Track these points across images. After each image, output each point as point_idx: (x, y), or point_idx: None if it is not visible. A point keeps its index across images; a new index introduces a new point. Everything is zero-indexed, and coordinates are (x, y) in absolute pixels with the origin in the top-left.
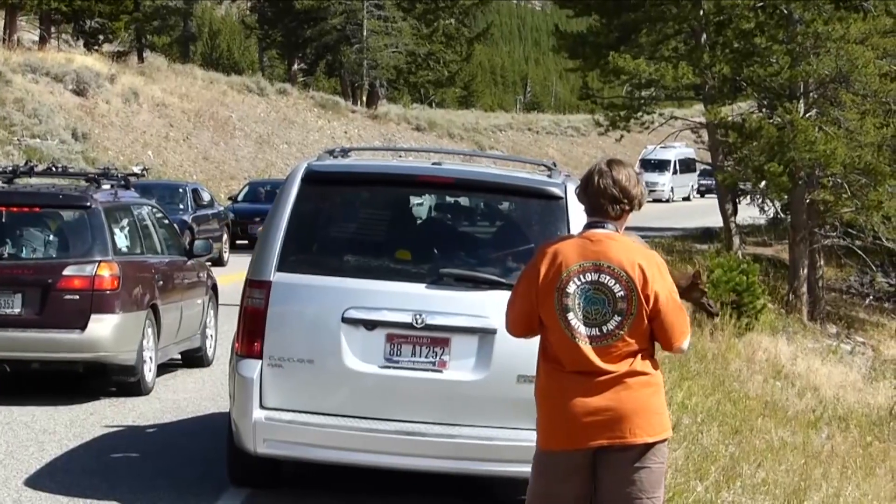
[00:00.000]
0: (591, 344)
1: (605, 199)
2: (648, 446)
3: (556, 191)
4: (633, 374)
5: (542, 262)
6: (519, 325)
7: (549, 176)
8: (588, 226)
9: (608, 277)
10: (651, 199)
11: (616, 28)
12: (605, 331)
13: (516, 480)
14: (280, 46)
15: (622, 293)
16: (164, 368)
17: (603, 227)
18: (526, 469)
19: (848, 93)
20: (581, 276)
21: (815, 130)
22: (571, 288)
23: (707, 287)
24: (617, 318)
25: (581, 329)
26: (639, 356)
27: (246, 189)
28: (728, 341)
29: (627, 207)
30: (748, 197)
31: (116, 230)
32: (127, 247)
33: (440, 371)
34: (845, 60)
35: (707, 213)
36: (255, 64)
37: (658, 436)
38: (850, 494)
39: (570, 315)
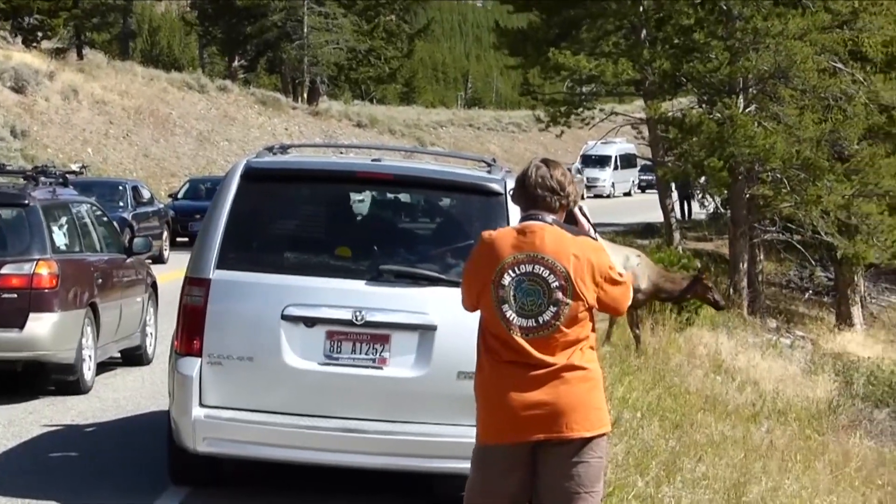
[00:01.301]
0: (527, 335)
1: (544, 190)
2: (586, 441)
3: (496, 187)
4: (572, 368)
5: (479, 254)
6: (473, 307)
7: (489, 172)
8: (524, 218)
9: (542, 268)
10: (592, 195)
11: (556, 24)
12: (540, 322)
13: (457, 476)
14: (220, 43)
15: (557, 284)
16: (103, 367)
17: (539, 220)
18: (466, 465)
19: (787, 88)
20: (516, 268)
21: (755, 126)
22: (506, 280)
23: (709, 282)
24: (552, 309)
25: (516, 320)
26: (577, 348)
27: (186, 186)
28: (669, 336)
29: (564, 201)
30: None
31: (55, 228)
32: (66, 245)
33: (380, 368)
34: (784, 56)
35: (648, 208)
36: (196, 61)
37: (596, 430)
38: (790, 487)
39: (506, 307)
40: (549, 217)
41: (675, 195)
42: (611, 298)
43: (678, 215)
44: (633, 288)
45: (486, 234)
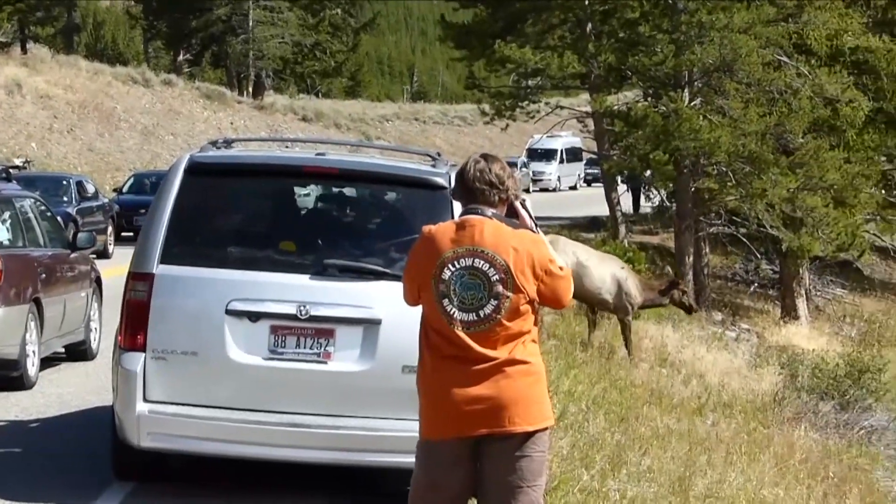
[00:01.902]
0: (468, 329)
1: (482, 184)
2: (529, 435)
3: (441, 181)
4: (514, 362)
5: (420, 249)
6: (415, 302)
7: (434, 166)
8: (464, 212)
9: (482, 262)
10: (538, 189)
11: (502, 17)
12: (481, 315)
13: (402, 471)
14: (165, 37)
15: (497, 277)
16: (47, 362)
17: (478, 213)
18: (410, 459)
19: (732, 82)
20: (456, 262)
21: (700, 119)
22: (447, 274)
23: (685, 287)
24: (493, 303)
25: (457, 314)
26: (520, 342)
27: (131, 181)
28: (614, 329)
29: (503, 195)
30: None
31: None
32: (9, 240)
33: (325, 362)
34: (729, 50)
35: (594, 202)
36: (141, 55)
37: (538, 424)
38: (735, 480)
39: (446, 301)
40: (489, 211)
41: (621, 188)
42: (551, 291)
43: (631, 209)
44: (627, 301)
45: (426, 228)
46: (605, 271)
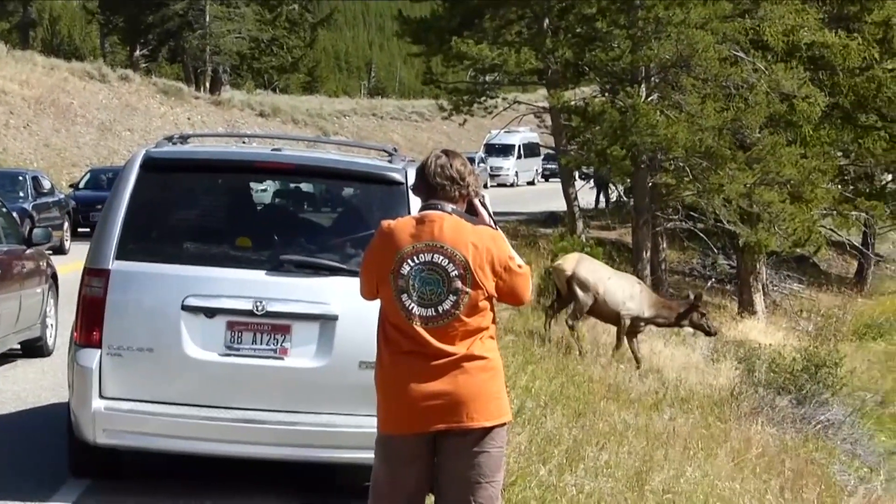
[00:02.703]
0: (427, 324)
1: (443, 179)
2: (487, 431)
3: (397, 176)
4: (471, 358)
5: (378, 244)
6: (372, 296)
7: (390, 161)
8: (424, 208)
9: (441, 257)
10: (496, 184)
11: (459, 13)
12: (440, 311)
13: (359, 467)
14: (122, 32)
15: (456, 273)
16: (3, 359)
17: (438, 209)
18: (368, 455)
19: (689, 77)
20: (415, 258)
21: (657, 114)
22: (405, 269)
23: (706, 309)
24: (452, 298)
25: (416, 310)
26: (478, 338)
27: (87, 176)
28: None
29: (464, 191)
30: (591, 181)
31: None
32: None
33: (281, 358)
34: (686, 45)
35: (551, 197)
36: (97, 50)
37: (496, 420)
38: (692, 475)
39: (405, 297)
40: (449, 206)
41: (579, 183)
42: (510, 288)
43: (595, 203)
44: (636, 314)
45: (384, 223)
46: (626, 288)
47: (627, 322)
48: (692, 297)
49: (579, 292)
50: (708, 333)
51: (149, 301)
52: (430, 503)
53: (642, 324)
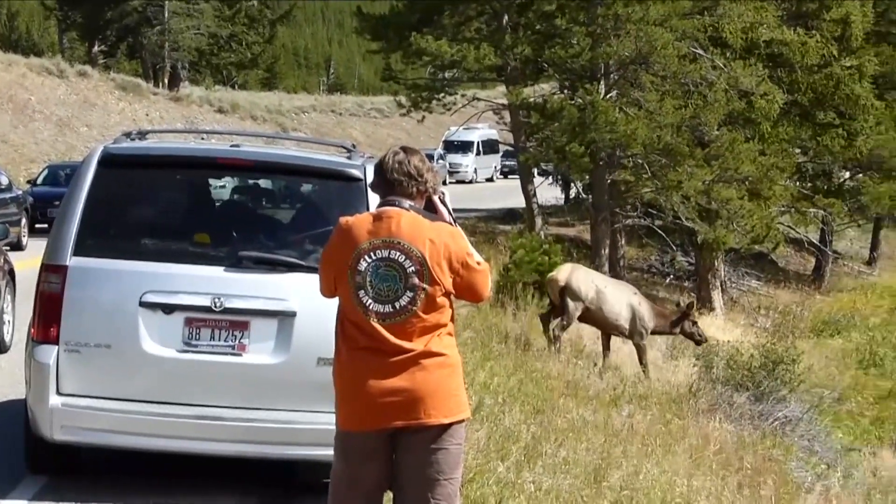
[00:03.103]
0: (384, 321)
1: (401, 175)
2: (445, 427)
3: (356, 172)
4: (429, 354)
5: (336, 240)
6: (331, 294)
7: (349, 158)
8: (382, 204)
9: (399, 253)
10: (455, 181)
11: (418, 9)
12: (397, 307)
13: (318, 463)
14: (80, 28)
15: (413, 269)
16: None
17: (396, 205)
18: (327, 452)
19: (648, 74)
20: (372, 254)
21: (616, 111)
22: (363, 265)
23: (696, 318)
24: (409, 294)
25: (373, 306)
26: (435, 335)
27: (45, 172)
28: (530, 321)
29: (422, 188)
30: (550, 177)
31: None
32: None
33: (239, 355)
34: (645, 42)
35: (510, 194)
36: (55, 46)
37: (455, 417)
38: (650, 471)
39: (362, 293)
40: (407, 203)
41: (538, 180)
42: (468, 284)
43: (563, 199)
44: (641, 326)
45: (342, 219)
46: (622, 298)
47: (641, 340)
48: (684, 305)
49: (570, 302)
50: (698, 342)
51: (107, 297)
52: (390, 500)
53: (646, 332)
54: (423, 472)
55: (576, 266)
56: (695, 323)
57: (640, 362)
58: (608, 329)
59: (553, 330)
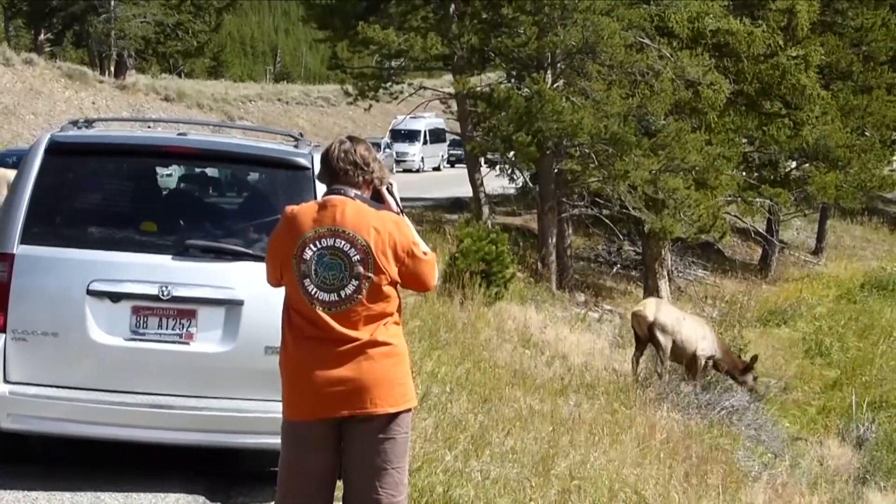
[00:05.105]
0: (329, 310)
1: (346, 164)
2: (391, 417)
3: (303, 161)
4: (375, 344)
5: (282, 229)
6: (277, 283)
7: (296, 146)
8: (327, 193)
9: (343, 242)
10: (401, 170)
11: None
12: (342, 296)
13: (266, 452)
14: (26, 16)
15: (358, 257)
16: None
17: (341, 194)
18: (275, 440)
19: (594, 64)
20: (317, 242)
21: (563, 101)
22: (308, 254)
23: (756, 374)
24: (354, 283)
25: (319, 295)
26: (382, 323)
27: None
28: (478, 310)
29: (368, 177)
30: (496, 167)
31: None
32: None
33: (187, 343)
34: (592, 32)
35: (457, 183)
36: (1, 33)
37: (401, 406)
38: (597, 460)
39: (307, 281)
40: (352, 192)
41: (485, 170)
42: (414, 273)
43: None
44: (710, 354)
45: (288, 208)
46: (698, 330)
47: (702, 363)
48: (751, 359)
49: (661, 337)
50: (750, 392)
51: (54, 285)
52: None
53: (710, 363)
54: (370, 462)
55: (659, 301)
56: (756, 378)
57: (693, 378)
58: (681, 358)
59: (632, 360)
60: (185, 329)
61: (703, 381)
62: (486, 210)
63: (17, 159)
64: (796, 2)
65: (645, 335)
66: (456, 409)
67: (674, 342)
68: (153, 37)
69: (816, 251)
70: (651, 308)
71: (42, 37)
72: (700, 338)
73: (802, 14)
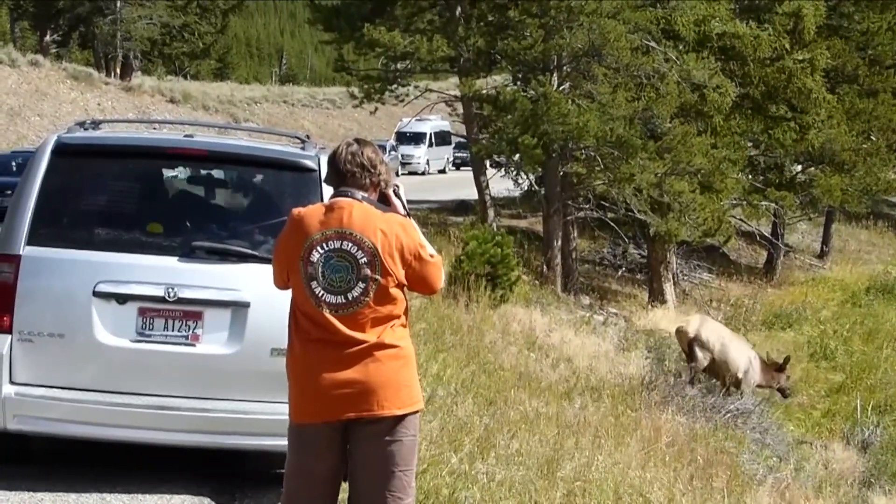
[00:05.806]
0: (336, 312)
1: (353, 166)
2: (399, 419)
3: (309, 163)
4: (382, 346)
5: (288, 231)
6: (284, 285)
7: (303, 148)
8: (334, 195)
9: (350, 244)
10: (407, 172)
11: (371, 0)
12: (350, 298)
13: (271, 454)
14: (32, 17)
15: (365, 259)
16: None
17: (348, 196)
18: (280, 442)
19: (600, 66)
20: (324, 245)
21: (569, 103)
22: (315, 256)
23: (790, 374)
24: (361, 285)
25: (326, 297)
26: (389, 326)
27: None
28: (483, 313)
29: (375, 179)
30: (502, 169)
31: None
32: None
33: (193, 345)
34: (598, 34)
35: (462, 185)
36: (7, 35)
37: (408, 408)
38: (602, 463)
39: (314, 283)
40: (359, 194)
41: (490, 172)
42: (420, 276)
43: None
44: (752, 379)
45: (295, 211)
46: (743, 353)
47: (747, 392)
48: (782, 361)
49: (699, 352)
50: (785, 396)
51: (60, 287)
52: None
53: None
54: (377, 464)
55: (704, 318)
56: (788, 377)
57: (727, 394)
58: (722, 377)
59: (688, 381)
60: (191, 331)
61: (707, 384)
62: (491, 213)
63: (22, 161)
64: (802, 5)
65: (686, 350)
66: (461, 411)
67: (713, 360)
68: (159, 38)
69: (821, 255)
70: (694, 324)
71: (48, 38)
72: (746, 362)
73: (808, 18)
